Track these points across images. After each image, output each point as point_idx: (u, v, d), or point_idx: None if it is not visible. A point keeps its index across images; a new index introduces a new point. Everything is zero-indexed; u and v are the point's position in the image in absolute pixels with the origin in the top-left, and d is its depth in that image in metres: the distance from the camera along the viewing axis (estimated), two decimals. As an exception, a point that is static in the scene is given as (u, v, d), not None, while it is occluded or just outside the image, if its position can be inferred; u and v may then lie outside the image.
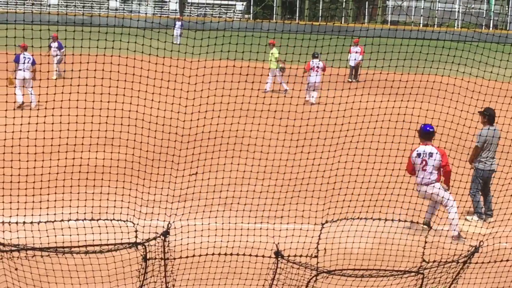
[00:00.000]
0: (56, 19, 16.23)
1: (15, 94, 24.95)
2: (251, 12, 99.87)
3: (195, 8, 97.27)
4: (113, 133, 13.30)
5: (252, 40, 13.90)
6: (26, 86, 25.95)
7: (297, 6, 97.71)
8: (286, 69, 31.05)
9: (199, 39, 13.49)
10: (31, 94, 25.24)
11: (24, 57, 25.90)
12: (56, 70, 32.19)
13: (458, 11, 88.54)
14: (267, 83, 31.83)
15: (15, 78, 25.84)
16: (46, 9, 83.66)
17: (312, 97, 30.25)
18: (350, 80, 36.19)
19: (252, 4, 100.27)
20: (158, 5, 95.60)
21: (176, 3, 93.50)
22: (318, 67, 30.85)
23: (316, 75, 30.77)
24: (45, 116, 13.09)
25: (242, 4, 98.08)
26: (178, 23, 58.87)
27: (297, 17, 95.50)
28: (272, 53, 32.05)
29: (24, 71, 25.76)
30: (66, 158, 12.73)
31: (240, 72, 13.62)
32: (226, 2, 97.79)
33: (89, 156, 13.16)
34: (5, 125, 12.73)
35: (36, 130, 12.58)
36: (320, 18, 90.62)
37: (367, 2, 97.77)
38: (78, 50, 13.23)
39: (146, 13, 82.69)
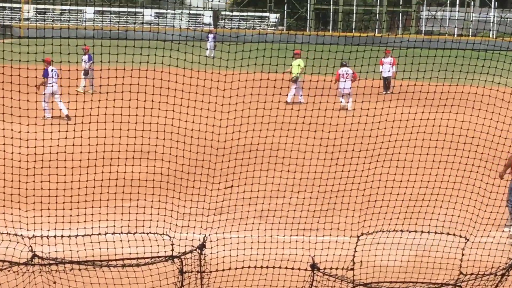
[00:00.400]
0: (92, 34, 16.39)
1: (44, 109, 25.12)
2: (285, 24, 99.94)
3: (229, 20, 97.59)
4: (149, 146, 13.38)
5: (286, 53, 13.93)
6: (56, 100, 26.26)
7: (331, 17, 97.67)
8: (299, 82, 31.28)
9: (233, 52, 13.54)
10: (63, 108, 25.48)
11: (51, 71, 26.25)
12: (91, 85, 32.35)
13: (493, 21, 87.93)
14: (300, 95, 31.77)
15: (45, 93, 25.97)
16: (82, 24, 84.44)
17: (348, 102, 30.62)
18: (384, 92, 36.09)
19: (285, 16, 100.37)
20: (192, 18, 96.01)
21: (210, 17, 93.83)
22: (347, 73, 31.14)
23: (345, 81, 31.06)
24: (81, 130, 13.22)
25: (276, 17, 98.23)
26: (211, 36, 58.95)
27: (330, 29, 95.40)
28: (298, 65, 31.87)
29: (53, 85, 26.09)
30: (102, 172, 12.82)
31: (274, 84, 13.65)
32: (259, 14, 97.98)
33: (125, 169, 13.26)
34: (43, 139, 12.86)
35: (73, 145, 12.71)
36: (353, 29, 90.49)
37: (400, 13, 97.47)
38: (114, 64, 13.35)
39: (180, 27, 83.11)
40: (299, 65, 31.70)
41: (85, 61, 32.92)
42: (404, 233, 11.90)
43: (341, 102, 30.46)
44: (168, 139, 13.49)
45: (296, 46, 14.61)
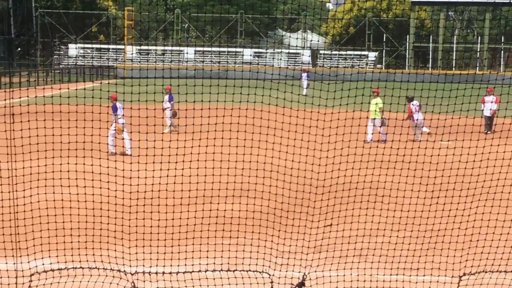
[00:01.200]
0: (193, 73, 16.68)
1: (107, 144, 24.90)
2: (383, 62, 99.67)
3: (327, 59, 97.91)
4: (248, 184, 13.51)
5: (385, 91, 13.93)
6: (124, 135, 26.01)
7: (430, 55, 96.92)
8: (387, 120, 31.00)
9: (332, 90, 13.61)
10: (128, 144, 25.29)
11: (118, 107, 26.27)
12: (170, 125, 32.36)
13: None
14: (384, 133, 31.40)
15: (114, 129, 25.85)
16: (183, 64, 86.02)
17: (421, 133, 30.83)
18: (485, 131, 35.47)
19: (384, 54, 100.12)
20: (291, 57, 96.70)
21: (309, 56, 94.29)
22: (417, 106, 31.45)
23: (417, 113, 31.45)
24: (182, 169, 13.45)
25: (375, 55, 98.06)
26: (304, 75, 59.12)
27: (430, 67, 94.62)
28: (376, 103, 31.55)
29: (119, 119, 26.01)
30: (202, 210, 13.02)
31: (374, 123, 13.62)
32: (358, 53, 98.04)
33: (225, 207, 13.39)
34: (145, 177, 13.14)
35: (175, 183, 12.92)
36: (453, 67, 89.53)
37: (502, 50, 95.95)
38: (214, 103, 13.57)
39: (279, 66, 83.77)
40: (376, 103, 31.48)
41: (166, 101, 32.81)
42: (508, 274, 11.65)
43: (415, 134, 30.61)
44: (267, 177, 13.59)
45: (395, 85, 14.58)
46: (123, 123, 25.25)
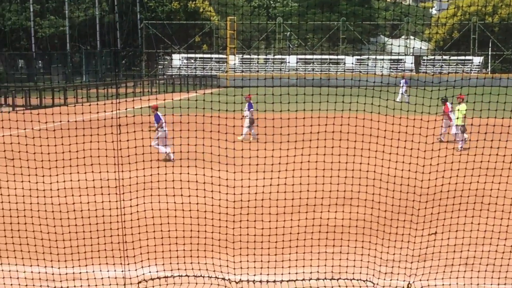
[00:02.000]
0: (295, 82, 16.74)
1: (158, 152, 24.83)
2: (489, 66, 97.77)
3: (431, 64, 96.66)
4: (351, 192, 13.46)
5: (490, 97, 13.68)
6: (167, 143, 26.12)
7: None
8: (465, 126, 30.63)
9: (435, 97, 13.44)
10: (170, 152, 25.36)
11: (161, 116, 26.36)
12: (249, 133, 32.19)
13: None
14: (461, 140, 30.85)
15: (158, 137, 25.90)
16: (285, 72, 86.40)
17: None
18: None
19: (489, 58, 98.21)
20: (394, 64, 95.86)
21: (412, 63, 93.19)
22: (452, 108, 31.04)
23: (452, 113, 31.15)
24: (286, 177, 13.50)
25: (479, 60, 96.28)
26: (403, 81, 58.54)
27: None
28: (458, 109, 30.94)
29: (165, 129, 26.07)
30: (306, 218, 13.03)
31: (478, 130, 13.39)
32: (462, 58, 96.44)
33: (328, 215, 13.38)
34: (249, 186, 13.25)
35: (278, 191, 12.99)
36: None
37: None
38: (317, 112, 13.58)
39: (382, 73, 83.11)
40: (458, 109, 30.91)
41: (245, 110, 32.63)
42: None
43: (441, 134, 30.18)
44: (371, 185, 13.53)
45: (501, 90, 14.33)
46: (165, 137, 25.46)
